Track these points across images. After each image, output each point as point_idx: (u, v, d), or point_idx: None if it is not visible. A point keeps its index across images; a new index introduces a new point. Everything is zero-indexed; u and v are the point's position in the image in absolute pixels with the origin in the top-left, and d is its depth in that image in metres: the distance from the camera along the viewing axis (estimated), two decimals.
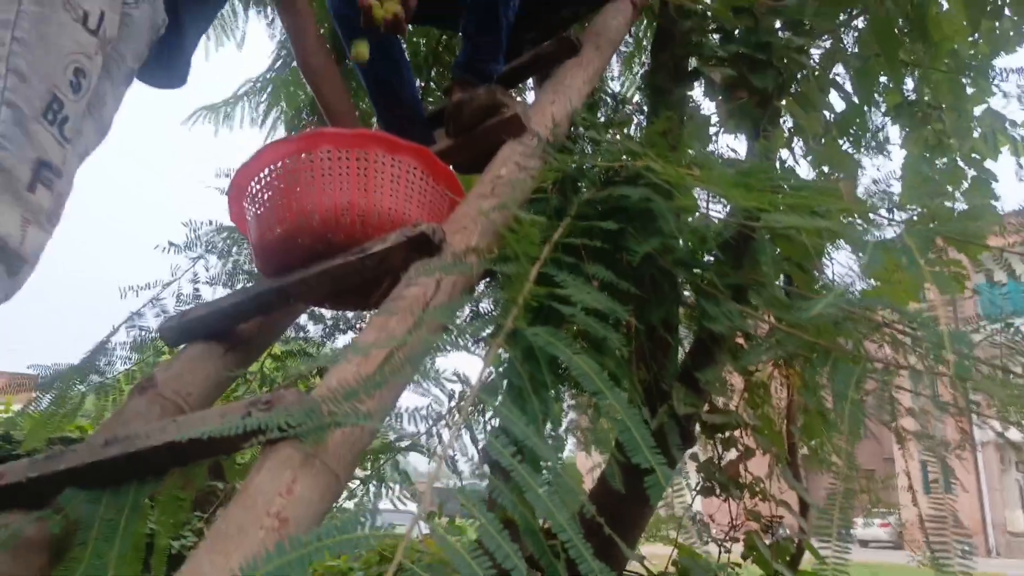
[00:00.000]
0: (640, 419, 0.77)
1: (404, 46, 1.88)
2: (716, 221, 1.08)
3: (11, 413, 3.93)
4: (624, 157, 1.17)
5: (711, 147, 2.16)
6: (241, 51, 3.97)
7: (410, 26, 2.09)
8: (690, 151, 1.52)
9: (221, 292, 2.00)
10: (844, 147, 1.99)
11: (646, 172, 1.05)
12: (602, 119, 2.77)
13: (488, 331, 0.95)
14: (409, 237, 1.23)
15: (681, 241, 1.11)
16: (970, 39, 2.58)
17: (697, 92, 2.17)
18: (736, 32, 1.83)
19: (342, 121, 1.74)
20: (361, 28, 1.56)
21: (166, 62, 1.27)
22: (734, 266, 1.31)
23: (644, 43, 3.70)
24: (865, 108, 1.98)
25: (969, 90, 2.64)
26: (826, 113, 2.03)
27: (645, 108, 3.06)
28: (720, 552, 1.63)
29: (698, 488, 1.68)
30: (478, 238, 1.28)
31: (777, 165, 1.99)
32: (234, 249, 2.08)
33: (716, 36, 1.91)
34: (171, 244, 1.88)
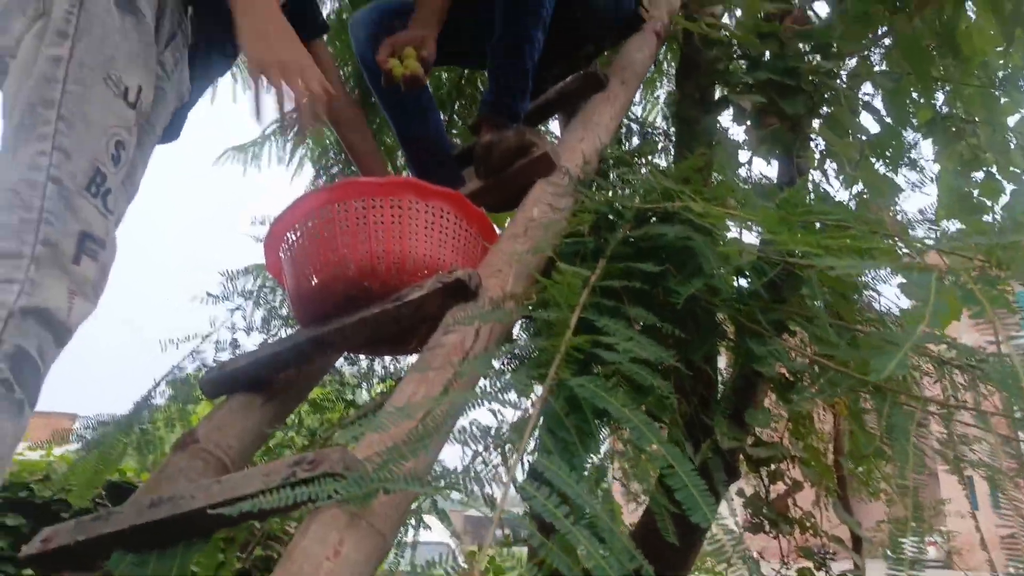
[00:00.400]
0: (691, 469, 0.75)
1: (428, 86, 1.89)
2: (758, 257, 1.06)
3: (52, 458, 3.98)
4: (659, 195, 1.15)
5: (743, 170, 2.14)
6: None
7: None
8: (723, 180, 1.50)
9: (258, 337, 2.02)
10: (879, 167, 1.95)
11: (684, 212, 1.04)
12: (627, 146, 2.76)
13: (528, 384, 0.94)
14: (445, 283, 1.22)
15: (722, 279, 1.09)
16: (999, 49, 2.54)
17: (725, 117, 2.16)
18: (763, 58, 1.82)
19: (367, 162, 1.75)
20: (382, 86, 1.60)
21: (175, 118, 1.30)
22: (775, 299, 1.28)
23: (665, 66, 3.70)
24: (900, 129, 1.95)
25: (1001, 99, 2.59)
26: (859, 134, 2.01)
27: (671, 133, 3.05)
28: None
29: (746, 525, 1.64)
30: (513, 282, 1.27)
31: (811, 187, 1.97)
32: (270, 295, 2.10)
33: (742, 63, 1.90)
34: (209, 295, 1.91)
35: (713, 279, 1.12)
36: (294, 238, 1.37)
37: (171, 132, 1.32)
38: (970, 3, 2.16)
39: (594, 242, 1.27)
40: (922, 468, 0.91)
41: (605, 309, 1.06)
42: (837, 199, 1.86)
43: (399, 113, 1.85)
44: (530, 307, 1.12)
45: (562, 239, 1.29)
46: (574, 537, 0.72)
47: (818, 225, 1.16)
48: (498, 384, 0.94)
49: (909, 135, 2.20)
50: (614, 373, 0.99)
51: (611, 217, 1.26)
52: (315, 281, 1.34)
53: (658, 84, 3.79)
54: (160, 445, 1.92)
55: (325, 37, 1.77)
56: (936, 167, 2.68)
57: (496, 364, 1.44)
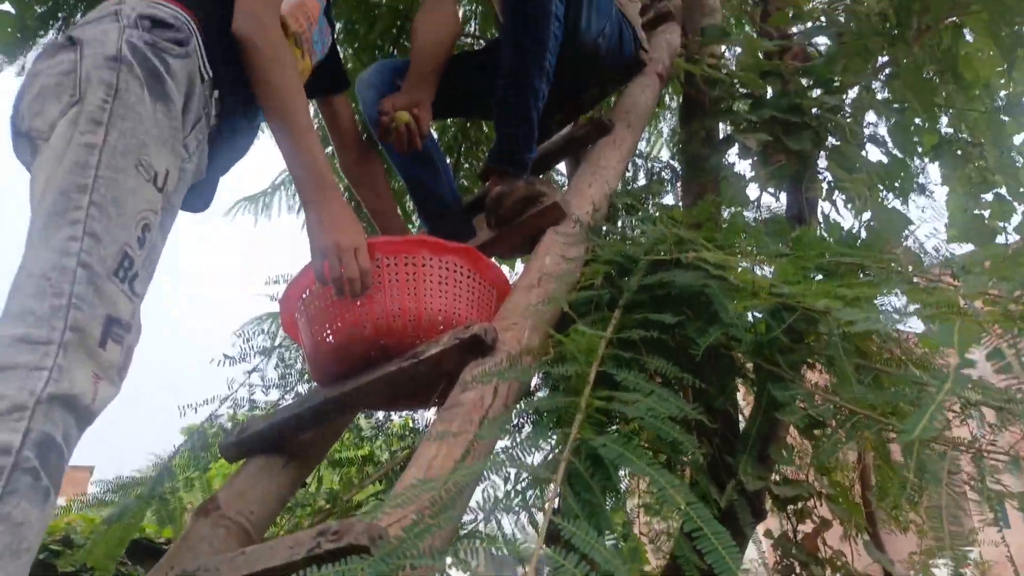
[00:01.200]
0: (726, 537, 0.74)
1: (436, 137, 1.91)
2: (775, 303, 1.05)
3: (70, 516, 3.97)
4: (672, 244, 1.15)
5: (751, 203, 2.14)
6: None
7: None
8: (733, 222, 1.50)
9: (276, 393, 2.02)
10: (888, 198, 1.96)
11: (699, 262, 1.04)
12: (634, 184, 2.77)
13: (549, 446, 0.93)
14: (461, 339, 1.22)
15: (741, 331, 1.09)
16: (999, 69, 2.54)
17: (731, 150, 2.16)
18: (766, 95, 1.83)
19: (384, 221, 1.77)
20: (380, 140, 1.63)
21: (197, 190, 1.32)
22: (793, 339, 1.27)
23: (667, 100, 3.73)
24: (907, 160, 1.95)
25: (1004, 118, 2.59)
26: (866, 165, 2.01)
27: (676, 167, 3.07)
28: None
29: (776, 568, 1.60)
30: (529, 334, 1.27)
31: (821, 218, 1.97)
32: (286, 352, 2.11)
33: (746, 101, 1.92)
34: (225, 356, 1.92)
35: (731, 327, 1.12)
36: (310, 298, 1.37)
37: (199, 203, 1.35)
38: (967, 28, 2.18)
39: (608, 291, 1.27)
40: (957, 515, 0.89)
41: (623, 361, 1.05)
42: (848, 227, 1.85)
43: (408, 166, 1.87)
44: (547, 362, 1.12)
45: (576, 290, 1.29)
46: None
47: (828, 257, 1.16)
48: (518, 446, 0.93)
49: (917, 161, 2.20)
50: (636, 427, 0.98)
51: (624, 266, 1.26)
52: (331, 341, 1.35)
53: (661, 119, 3.82)
54: (180, 505, 1.91)
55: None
56: (945, 190, 2.67)
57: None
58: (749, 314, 1.28)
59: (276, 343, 2.13)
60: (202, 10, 1.23)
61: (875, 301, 0.87)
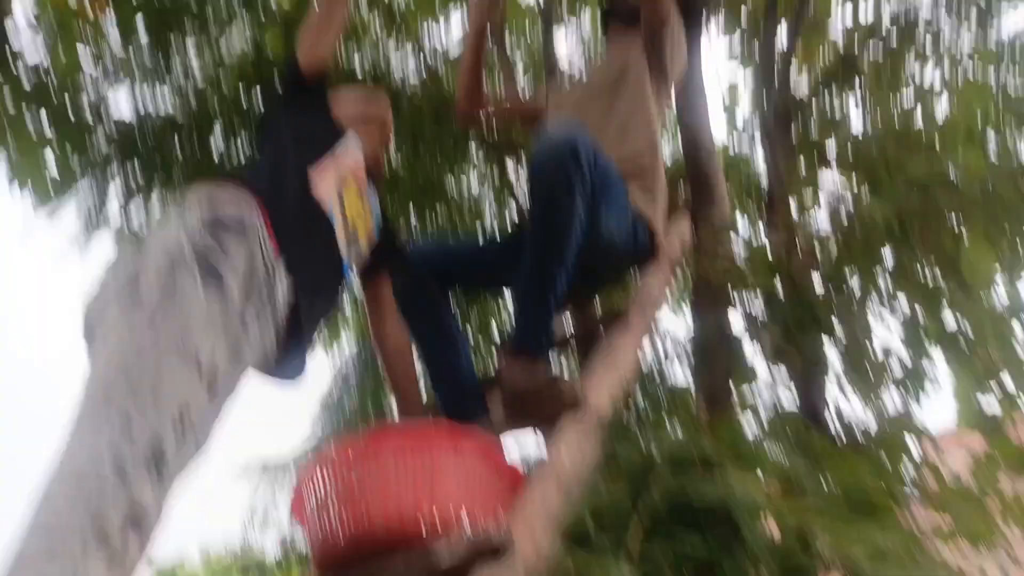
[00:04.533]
0: None
1: (458, 321, 1.96)
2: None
3: None
4: (695, 456, 1.15)
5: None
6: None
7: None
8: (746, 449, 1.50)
9: None
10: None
11: (724, 485, 1.03)
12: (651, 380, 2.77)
13: None
14: (476, 545, 1.19)
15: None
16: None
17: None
18: (775, 293, 1.89)
19: (404, 397, 1.78)
20: None
21: (287, 359, 1.35)
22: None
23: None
24: (918, 362, 1.99)
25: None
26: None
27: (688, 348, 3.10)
28: None
29: None
30: (541, 536, 1.24)
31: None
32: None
33: (755, 294, 1.98)
34: None
35: (755, 545, 1.09)
36: (322, 490, 1.35)
37: (296, 372, 1.39)
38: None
39: (628, 497, 1.25)
40: None
41: None
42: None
43: (427, 338, 1.90)
44: None
45: (593, 495, 1.28)
46: None
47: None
48: None
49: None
50: None
51: (643, 472, 1.25)
52: (339, 532, 1.31)
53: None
54: None
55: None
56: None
57: None
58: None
59: None
60: (266, 192, 1.32)
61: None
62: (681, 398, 2.25)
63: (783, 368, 1.88)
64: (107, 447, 0.93)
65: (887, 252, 2.13)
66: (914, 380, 1.96)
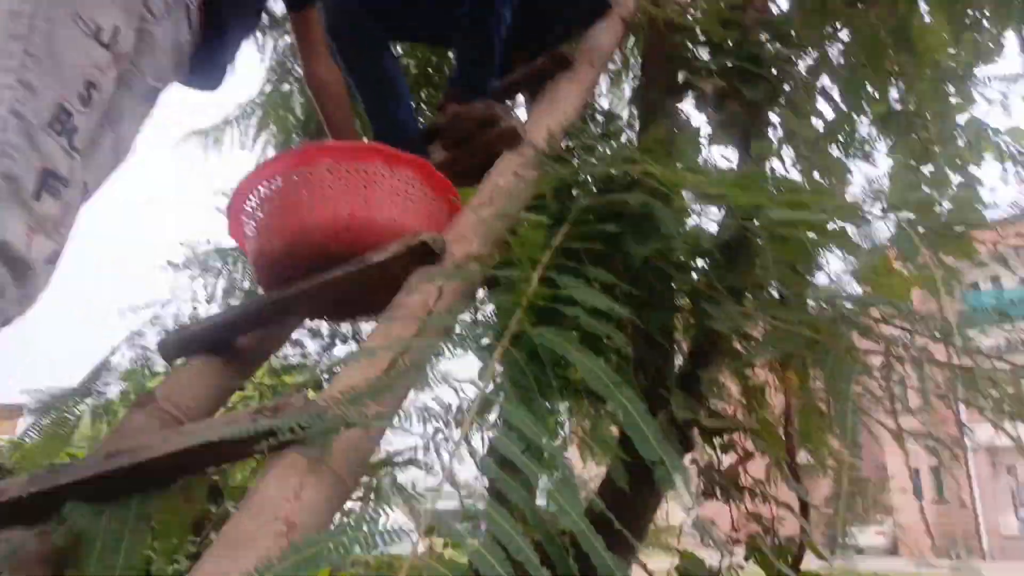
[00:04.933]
0: (646, 412, 0.78)
1: (399, 60, 1.89)
2: (713, 222, 1.09)
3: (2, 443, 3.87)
4: (622, 160, 1.18)
5: (703, 158, 2.18)
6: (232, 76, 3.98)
7: (400, 48, 2.11)
8: (684, 161, 1.54)
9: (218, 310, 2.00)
10: (833, 153, 2.03)
11: (644, 176, 1.07)
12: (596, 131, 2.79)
13: (491, 336, 0.96)
14: (410, 246, 1.24)
15: (679, 244, 1.13)
16: (951, 50, 2.63)
17: (687, 105, 2.20)
18: (725, 45, 1.86)
19: (339, 130, 1.75)
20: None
21: (204, 65, 1.29)
22: (730, 269, 1.32)
23: (631, 61, 3.75)
24: (853, 115, 2.02)
25: (952, 99, 2.69)
26: (815, 120, 2.07)
27: (635, 123, 3.10)
28: (722, 555, 1.63)
29: (700, 492, 1.68)
30: (478, 246, 1.29)
31: (769, 172, 2.02)
32: (230, 267, 2.08)
33: (705, 49, 1.95)
34: (170, 264, 1.88)
35: (670, 240, 1.15)
36: (258, 202, 1.36)
37: (211, 80, 1.32)
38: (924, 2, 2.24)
39: (558, 207, 1.29)
40: (858, 425, 0.95)
41: (566, 269, 1.08)
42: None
43: (368, 87, 1.85)
44: (493, 268, 1.14)
45: (526, 207, 1.32)
46: (529, 470, 0.74)
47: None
48: (458, 335, 0.96)
49: (864, 128, 2.28)
50: (574, 328, 1.01)
51: (573, 187, 1.29)
52: (278, 245, 1.34)
53: (624, 79, 3.84)
54: (115, 417, 1.89)
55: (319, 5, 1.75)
56: (889, 162, 2.76)
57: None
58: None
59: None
60: None
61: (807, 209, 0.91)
62: (615, 126, 2.27)
63: (723, 127, 1.90)
64: (8, 108, 0.90)
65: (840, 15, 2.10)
66: (847, 136, 2.00)
